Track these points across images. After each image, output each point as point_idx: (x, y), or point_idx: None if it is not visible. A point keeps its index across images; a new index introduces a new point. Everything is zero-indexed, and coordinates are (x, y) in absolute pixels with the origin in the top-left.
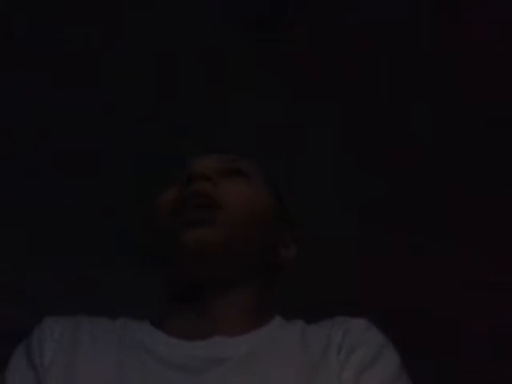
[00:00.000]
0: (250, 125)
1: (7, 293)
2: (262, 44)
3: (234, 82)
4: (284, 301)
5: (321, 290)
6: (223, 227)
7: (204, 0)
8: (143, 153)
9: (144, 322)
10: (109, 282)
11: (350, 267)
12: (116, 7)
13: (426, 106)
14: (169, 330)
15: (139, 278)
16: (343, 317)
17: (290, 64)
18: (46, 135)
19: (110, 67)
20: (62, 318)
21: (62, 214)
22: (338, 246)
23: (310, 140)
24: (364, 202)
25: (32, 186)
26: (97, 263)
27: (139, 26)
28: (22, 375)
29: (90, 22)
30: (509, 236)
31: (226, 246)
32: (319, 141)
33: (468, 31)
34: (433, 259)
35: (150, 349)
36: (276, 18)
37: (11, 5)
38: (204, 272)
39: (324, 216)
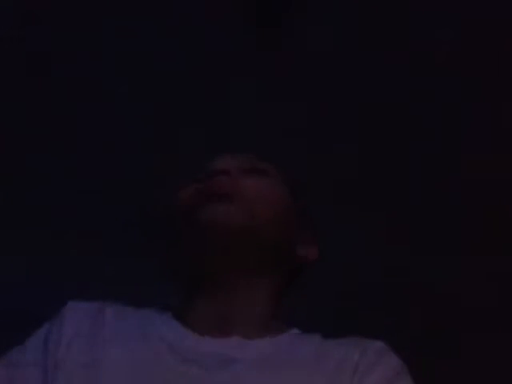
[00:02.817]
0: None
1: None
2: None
3: (234, 76)
4: None
5: None
6: (244, 208)
7: None
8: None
9: (166, 313)
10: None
11: None
12: None
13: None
14: (187, 324)
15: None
16: (360, 337)
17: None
18: None
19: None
20: (86, 303)
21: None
22: None
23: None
24: None
25: None
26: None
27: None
28: (31, 356)
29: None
30: None
31: (246, 225)
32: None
33: None
34: None
35: (166, 340)
36: (277, 12)
37: None
38: (223, 252)
39: None
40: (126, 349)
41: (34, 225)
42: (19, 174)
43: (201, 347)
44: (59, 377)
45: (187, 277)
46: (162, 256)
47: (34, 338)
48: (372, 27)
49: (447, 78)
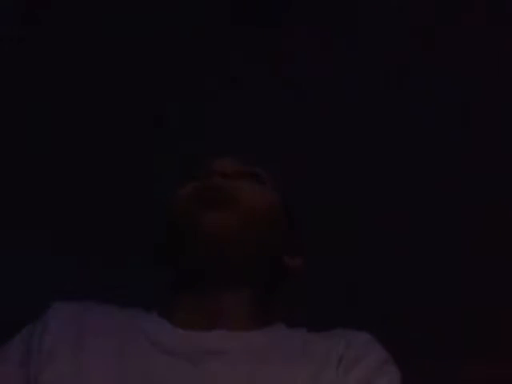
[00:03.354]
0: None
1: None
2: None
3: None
4: None
5: None
6: (239, 216)
7: None
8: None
9: (151, 312)
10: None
11: None
12: None
13: None
14: (173, 320)
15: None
16: (345, 329)
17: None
18: None
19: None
20: (69, 305)
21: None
22: None
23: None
24: None
25: None
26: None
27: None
28: (13, 362)
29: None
30: None
31: (241, 232)
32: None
33: None
34: None
35: (152, 336)
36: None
37: None
38: (216, 256)
39: None
40: (112, 349)
41: (34, 224)
42: (19, 174)
43: (187, 341)
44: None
45: (176, 274)
46: (156, 251)
47: (16, 342)
48: (371, 27)
49: (447, 78)
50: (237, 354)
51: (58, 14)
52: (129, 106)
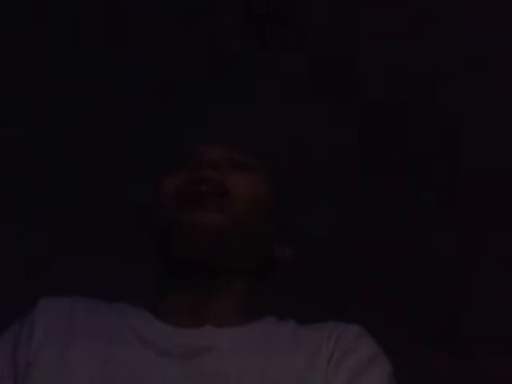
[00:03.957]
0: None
1: None
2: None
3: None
4: None
5: None
6: (229, 214)
7: None
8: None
9: (139, 307)
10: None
11: None
12: None
13: None
14: (161, 317)
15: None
16: (336, 322)
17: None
18: None
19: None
20: (58, 300)
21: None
22: None
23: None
24: None
25: None
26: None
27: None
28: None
29: None
30: None
31: (228, 233)
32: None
33: None
34: None
35: (140, 334)
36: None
37: None
38: (202, 255)
39: None
40: (98, 345)
41: (34, 222)
42: (21, 172)
43: (174, 338)
44: (30, 380)
45: (165, 269)
46: (145, 246)
47: (4, 339)
48: (372, 26)
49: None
50: (225, 350)
51: None
52: (129, 108)
